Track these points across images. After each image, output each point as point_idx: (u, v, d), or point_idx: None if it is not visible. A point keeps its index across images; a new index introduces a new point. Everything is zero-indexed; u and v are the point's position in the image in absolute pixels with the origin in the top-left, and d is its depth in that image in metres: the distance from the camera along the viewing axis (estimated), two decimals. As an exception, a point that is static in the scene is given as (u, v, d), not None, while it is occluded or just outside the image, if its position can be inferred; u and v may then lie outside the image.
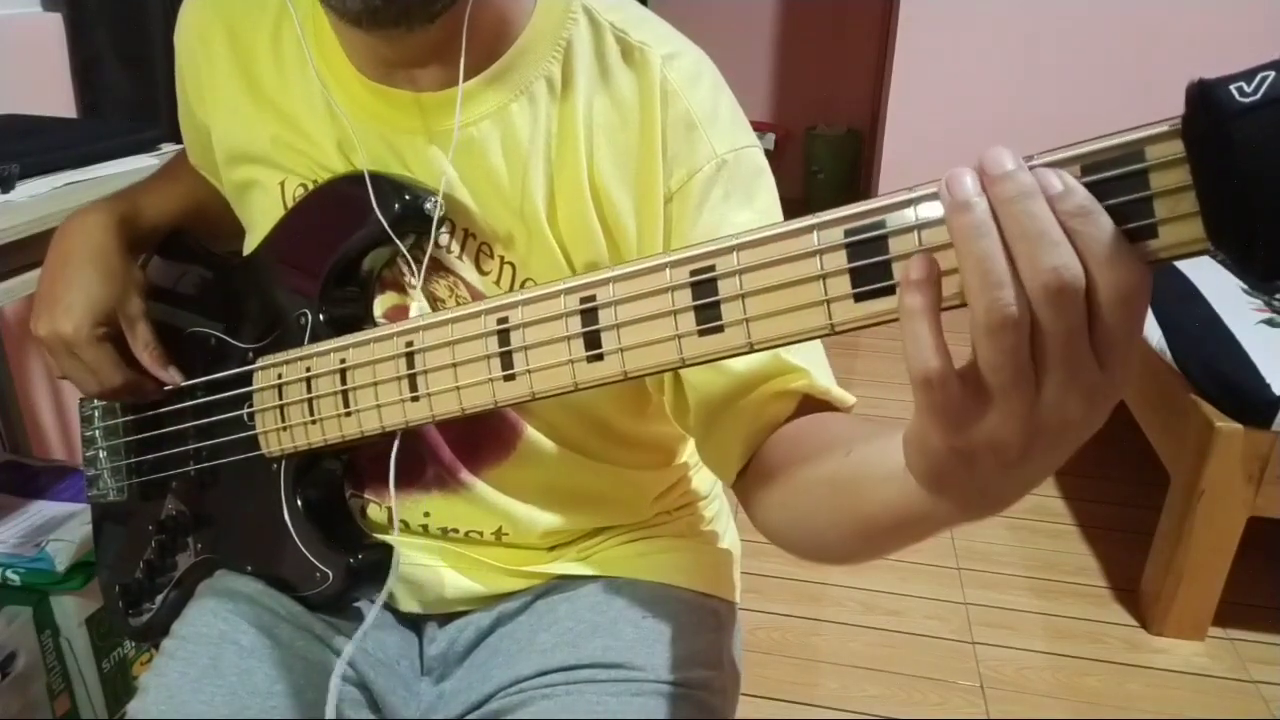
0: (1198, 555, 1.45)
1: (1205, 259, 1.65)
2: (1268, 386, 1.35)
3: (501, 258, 0.62)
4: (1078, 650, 1.51)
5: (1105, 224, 0.31)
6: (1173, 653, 1.50)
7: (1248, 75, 0.28)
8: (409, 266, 0.62)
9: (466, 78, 0.59)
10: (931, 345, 0.33)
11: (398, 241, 0.60)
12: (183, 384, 0.69)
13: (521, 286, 0.62)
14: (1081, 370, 0.32)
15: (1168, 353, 1.55)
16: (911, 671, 1.46)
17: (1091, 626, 1.56)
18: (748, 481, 0.58)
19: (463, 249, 0.63)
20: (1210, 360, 1.45)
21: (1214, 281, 1.70)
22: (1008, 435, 0.33)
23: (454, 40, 0.57)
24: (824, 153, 3.87)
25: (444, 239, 0.62)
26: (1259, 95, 0.27)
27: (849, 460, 0.47)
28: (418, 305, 0.62)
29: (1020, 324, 0.32)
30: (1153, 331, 1.61)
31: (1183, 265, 1.79)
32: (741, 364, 0.55)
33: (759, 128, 3.90)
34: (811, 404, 0.57)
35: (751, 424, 0.57)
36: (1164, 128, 0.30)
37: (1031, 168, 0.32)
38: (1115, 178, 0.31)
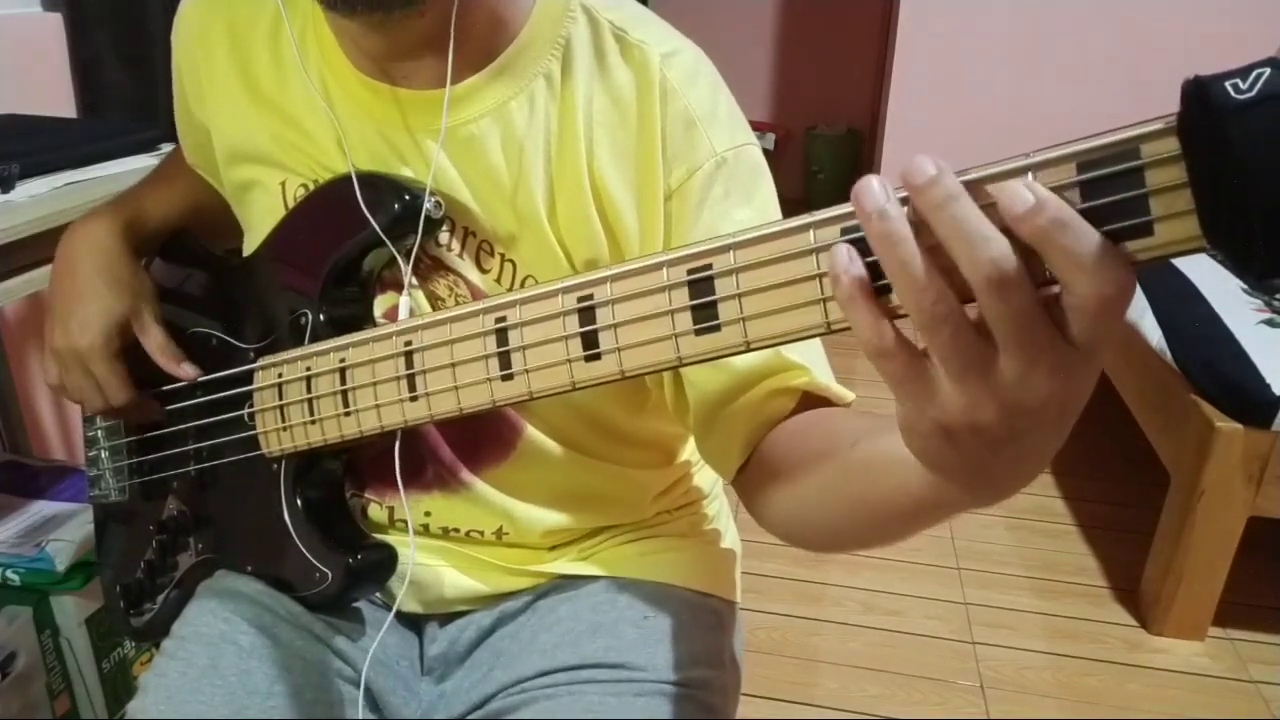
0: (1198, 555, 1.44)
1: (1205, 259, 1.65)
2: (1268, 386, 1.35)
3: (502, 255, 0.62)
4: (1078, 650, 1.51)
5: (1082, 234, 0.30)
6: (1173, 653, 1.50)
7: (1243, 72, 0.27)
8: (405, 265, 0.62)
9: (465, 75, 0.59)
10: (871, 321, 0.34)
11: (390, 245, 0.60)
12: (199, 379, 0.69)
13: (522, 285, 0.62)
14: (1041, 349, 0.32)
15: (1168, 353, 1.55)
16: (911, 671, 1.45)
17: (1091, 626, 1.56)
18: (749, 477, 0.58)
19: (463, 247, 0.63)
20: (1210, 360, 1.45)
21: (1214, 281, 1.70)
22: (984, 415, 0.34)
23: (447, 35, 0.57)
24: (824, 153, 3.87)
25: (444, 237, 0.62)
26: (1254, 92, 0.27)
27: (856, 449, 0.47)
28: (405, 302, 0.62)
29: (951, 318, 0.32)
30: (1153, 331, 1.61)
31: (1183, 265, 1.79)
32: (742, 361, 0.55)
33: (759, 128, 3.89)
34: (811, 400, 0.57)
35: (751, 420, 0.57)
36: (1159, 125, 0.30)
37: (995, 175, 0.32)
38: (1110, 175, 0.31)
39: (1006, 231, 0.31)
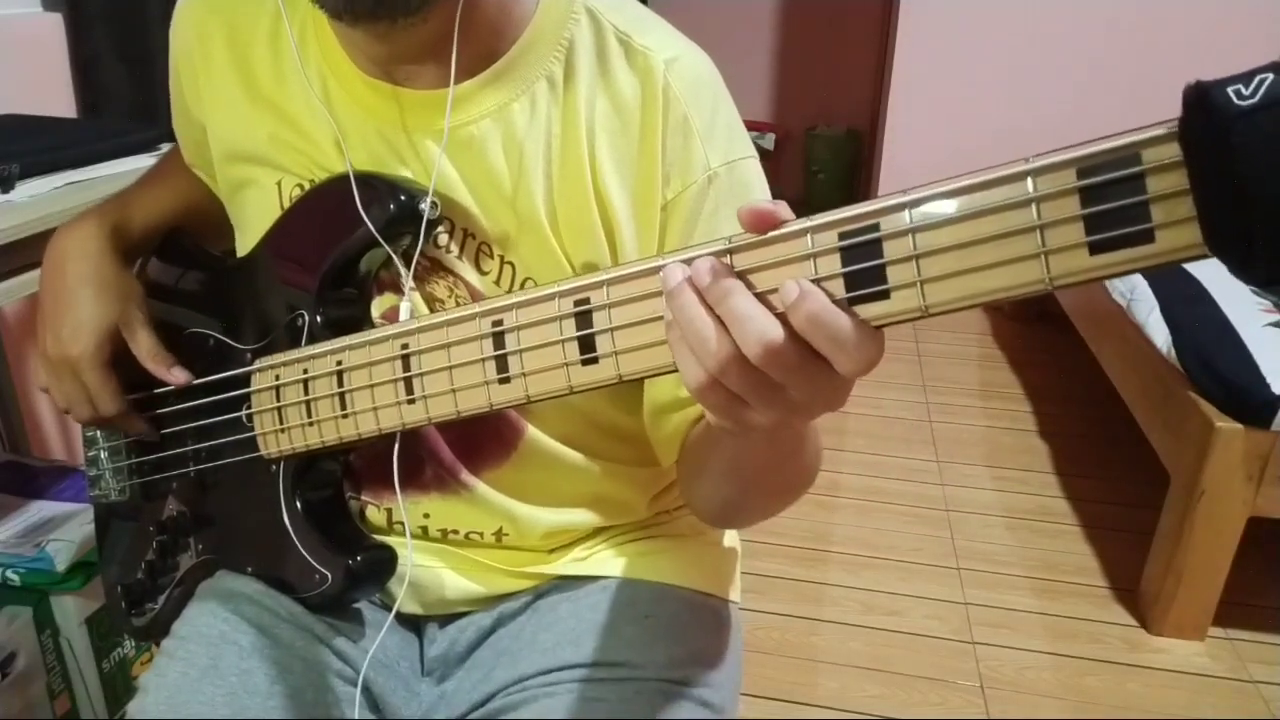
0: (1198, 555, 1.44)
1: (1215, 261, 1.64)
2: (1268, 385, 1.34)
3: (501, 258, 0.62)
4: (1078, 650, 1.50)
5: (838, 323, 0.37)
6: (1173, 653, 1.50)
7: (1245, 77, 0.27)
8: (404, 268, 0.62)
9: (468, 76, 0.59)
10: (694, 365, 0.41)
11: (385, 245, 0.60)
12: (190, 383, 0.69)
13: (521, 287, 0.62)
14: (822, 383, 0.40)
15: (1172, 352, 1.54)
16: (911, 671, 1.45)
17: (1091, 626, 1.56)
18: (678, 466, 0.65)
19: (462, 249, 0.62)
20: (1211, 359, 1.45)
21: (1224, 284, 1.68)
22: (770, 421, 0.42)
23: (450, 39, 0.57)
24: (824, 153, 3.86)
25: (443, 239, 0.62)
26: (1257, 98, 0.27)
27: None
28: (406, 306, 0.62)
29: (731, 366, 0.39)
30: (1158, 332, 1.61)
31: (1193, 267, 1.77)
32: None
33: (759, 128, 3.90)
34: None
35: (691, 431, 0.62)
36: (1161, 130, 0.30)
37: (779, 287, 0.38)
38: (1111, 181, 0.31)
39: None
